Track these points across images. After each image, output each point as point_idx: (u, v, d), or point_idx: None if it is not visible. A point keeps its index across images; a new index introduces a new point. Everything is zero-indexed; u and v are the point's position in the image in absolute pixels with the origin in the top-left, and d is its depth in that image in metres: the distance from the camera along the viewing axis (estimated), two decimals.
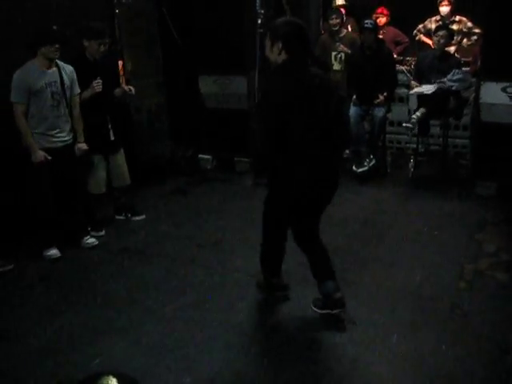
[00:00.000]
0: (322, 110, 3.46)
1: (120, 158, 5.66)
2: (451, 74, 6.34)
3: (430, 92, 6.32)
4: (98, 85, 5.20)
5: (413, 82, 6.76)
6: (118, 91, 5.58)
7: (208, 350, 3.60)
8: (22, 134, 4.72)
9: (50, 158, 4.78)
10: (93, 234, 5.39)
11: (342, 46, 7.27)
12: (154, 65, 7.09)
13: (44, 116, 4.76)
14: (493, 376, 3.30)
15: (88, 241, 5.22)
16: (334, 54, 7.36)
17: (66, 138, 4.96)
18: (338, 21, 7.31)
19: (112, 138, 5.49)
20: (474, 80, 6.66)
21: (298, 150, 3.46)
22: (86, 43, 5.19)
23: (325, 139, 3.54)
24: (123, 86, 5.81)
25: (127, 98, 5.93)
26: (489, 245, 4.96)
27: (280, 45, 3.37)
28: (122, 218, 5.90)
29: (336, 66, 7.36)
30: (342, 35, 7.37)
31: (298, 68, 3.43)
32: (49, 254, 5.00)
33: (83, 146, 5.15)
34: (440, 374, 3.30)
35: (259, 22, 7.03)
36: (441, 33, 6.52)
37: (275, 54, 3.42)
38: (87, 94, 5.19)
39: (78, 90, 5.05)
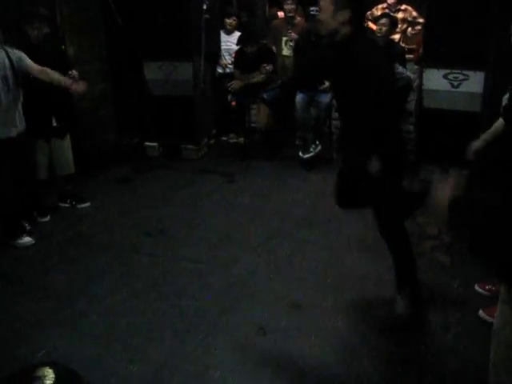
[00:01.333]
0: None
1: (64, 145, 5.53)
2: None
3: None
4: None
5: None
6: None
7: (155, 339, 3.58)
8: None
9: None
10: (38, 219, 5.37)
11: (293, 33, 7.28)
12: (97, 50, 6.95)
13: None
14: (434, 352, 3.38)
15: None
16: (284, 39, 7.38)
17: (19, 126, 4.80)
18: (293, 6, 7.29)
19: (54, 124, 5.36)
20: (416, 67, 6.79)
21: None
22: (26, 29, 5.03)
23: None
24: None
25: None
26: (431, 227, 5.07)
27: (348, 14, 3.04)
28: (66, 205, 5.80)
29: (285, 52, 7.38)
30: (296, 21, 7.35)
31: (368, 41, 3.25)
32: (22, 241, 4.91)
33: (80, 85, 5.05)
34: (385, 354, 3.38)
35: (204, 7, 6.96)
36: (383, 21, 6.58)
37: (336, 21, 3.06)
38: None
39: (31, 62, 4.81)
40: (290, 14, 7.35)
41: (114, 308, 3.94)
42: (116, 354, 3.44)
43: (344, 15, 3.01)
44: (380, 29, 6.58)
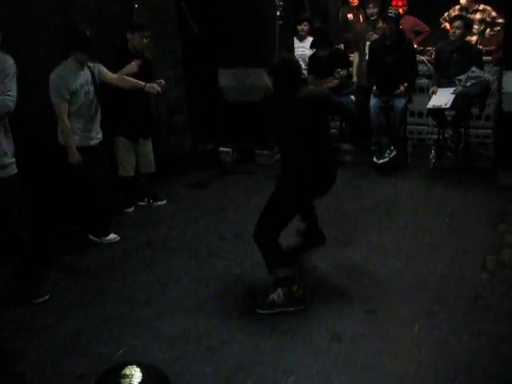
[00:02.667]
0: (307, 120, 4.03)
1: (149, 145, 5.85)
2: (464, 79, 6.24)
3: (448, 105, 6.26)
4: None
5: (432, 89, 6.63)
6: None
7: (230, 341, 3.63)
8: (63, 133, 4.79)
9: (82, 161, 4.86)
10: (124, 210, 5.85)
11: (374, 35, 7.19)
12: (172, 58, 7.11)
13: (80, 115, 4.85)
14: None
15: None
16: (368, 43, 7.29)
17: (98, 136, 5.09)
18: (375, 10, 7.21)
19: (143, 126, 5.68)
20: (495, 69, 6.60)
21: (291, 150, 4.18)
22: (129, 36, 5.45)
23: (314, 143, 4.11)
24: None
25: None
26: (511, 235, 4.92)
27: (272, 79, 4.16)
28: (144, 203, 6.06)
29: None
30: (379, 26, 7.26)
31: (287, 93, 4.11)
32: (109, 238, 5.20)
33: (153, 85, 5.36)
34: (462, 365, 3.29)
35: (278, 14, 7.01)
36: (456, 23, 6.41)
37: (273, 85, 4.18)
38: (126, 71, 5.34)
39: (107, 72, 5.12)
40: (373, 18, 7.27)
41: (189, 310, 4.03)
42: (191, 354, 3.52)
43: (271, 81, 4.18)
44: (453, 32, 6.42)
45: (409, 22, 8.18)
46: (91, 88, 4.91)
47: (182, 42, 7.22)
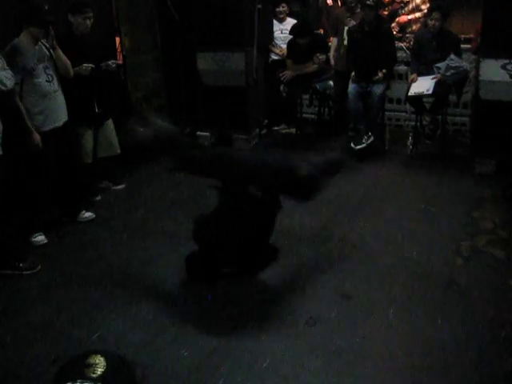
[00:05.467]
0: None
1: (106, 129, 5.61)
2: (444, 68, 6.23)
3: (430, 91, 6.26)
4: (86, 69, 5.13)
5: (412, 77, 6.58)
6: (103, 64, 5.42)
7: (207, 326, 3.63)
8: (20, 115, 4.47)
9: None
10: (90, 198, 5.61)
11: (352, 21, 7.16)
12: (151, 41, 7.05)
13: (43, 93, 4.66)
14: (487, 350, 3.32)
15: (85, 215, 5.25)
16: (346, 28, 7.25)
17: (64, 115, 4.92)
18: None
19: (97, 111, 5.42)
20: (473, 57, 6.61)
21: None
22: (71, 19, 5.09)
23: None
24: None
25: (121, 73, 5.87)
26: (486, 222, 4.97)
27: None
28: (103, 186, 5.97)
29: (347, 41, 7.25)
30: (358, 11, 7.24)
31: None
32: (36, 239, 4.81)
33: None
34: (435, 349, 3.33)
35: None
36: (435, 15, 6.39)
37: None
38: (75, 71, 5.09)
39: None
40: (352, 5, 7.26)
41: (166, 294, 4.02)
42: (168, 339, 3.51)
43: None
44: (433, 25, 6.41)
45: None
46: (50, 64, 4.73)
47: (160, 24, 7.13)
